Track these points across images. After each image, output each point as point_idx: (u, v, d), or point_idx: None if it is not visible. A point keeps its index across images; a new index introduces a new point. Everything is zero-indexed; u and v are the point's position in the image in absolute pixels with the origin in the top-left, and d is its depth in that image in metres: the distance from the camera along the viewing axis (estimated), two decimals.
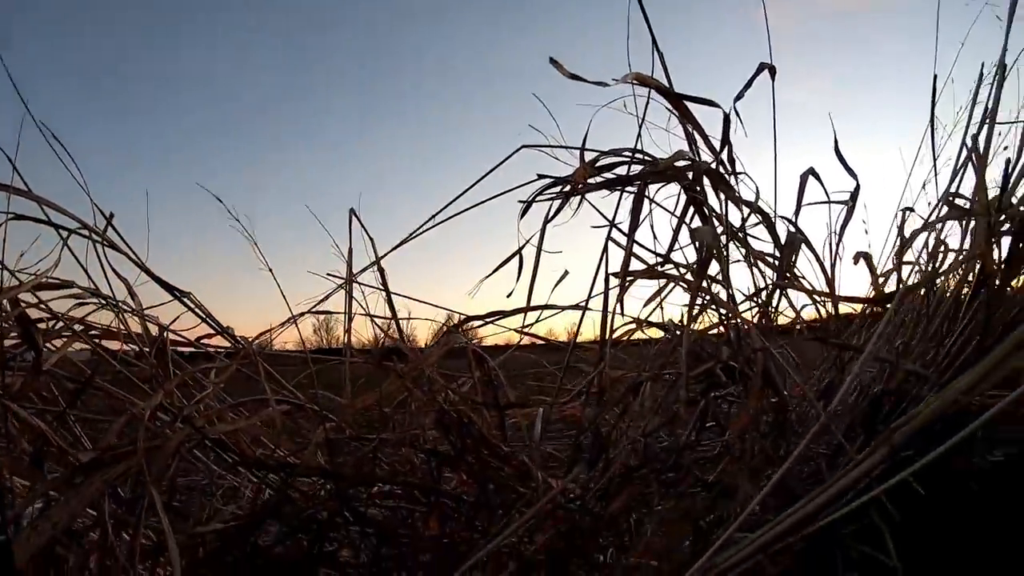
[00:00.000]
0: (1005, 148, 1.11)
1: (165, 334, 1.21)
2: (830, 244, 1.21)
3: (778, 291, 1.14)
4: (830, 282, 1.17)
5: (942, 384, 1.01)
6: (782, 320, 1.20)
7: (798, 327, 1.17)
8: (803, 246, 1.16)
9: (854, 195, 1.21)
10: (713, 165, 1.06)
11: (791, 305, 1.19)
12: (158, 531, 1.07)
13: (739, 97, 1.17)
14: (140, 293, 1.23)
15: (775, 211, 1.18)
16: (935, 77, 1.22)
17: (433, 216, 1.04)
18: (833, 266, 1.20)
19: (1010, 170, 0.98)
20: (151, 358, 1.20)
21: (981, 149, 1.14)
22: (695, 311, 1.09)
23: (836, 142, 1.21)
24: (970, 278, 1.10)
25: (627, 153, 1.08)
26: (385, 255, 1.11)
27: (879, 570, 1.11)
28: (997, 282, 1.06)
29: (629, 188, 1.09)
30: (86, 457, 1.03)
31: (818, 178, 1.21)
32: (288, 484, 1.15)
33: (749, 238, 1.17)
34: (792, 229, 1.15)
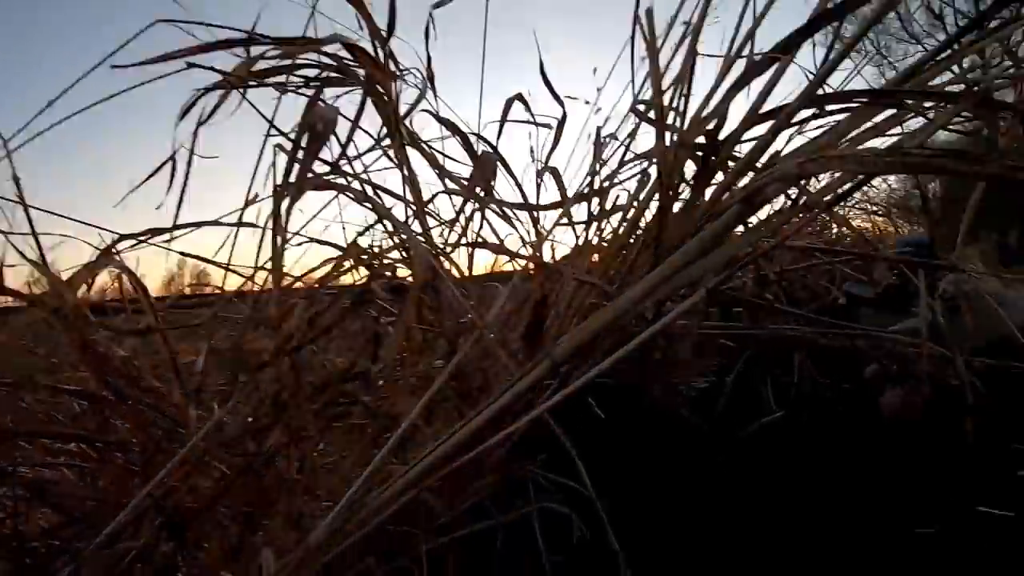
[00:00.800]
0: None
1: None
2: (537, 169, 1.19)
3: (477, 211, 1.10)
4: (528, 203, 1.14)
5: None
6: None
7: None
8: (501, 167, 1.12)
9: (561, 121, 1.20)
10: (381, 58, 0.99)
11: (490, 226, 1.16)
12: None
13: (439, 5, 1.11)
14: None
15: (480, 133, 1.14)
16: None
17: (51, 102, 0.88)
18: (538, 189, 1.18)
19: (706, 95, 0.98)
20: None
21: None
22: (371, 226, 1.03)
23: (541, 65, 1.19)
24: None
25: (299, 45, 0.98)
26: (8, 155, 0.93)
27: (578, 501, 1.08)
28: (680, 194, 1.07)
29: (303, 90, 1.00)
30: None
31: (524, 102, 1.19)
32: None
33: (448, 160, 1.12)
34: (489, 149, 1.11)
